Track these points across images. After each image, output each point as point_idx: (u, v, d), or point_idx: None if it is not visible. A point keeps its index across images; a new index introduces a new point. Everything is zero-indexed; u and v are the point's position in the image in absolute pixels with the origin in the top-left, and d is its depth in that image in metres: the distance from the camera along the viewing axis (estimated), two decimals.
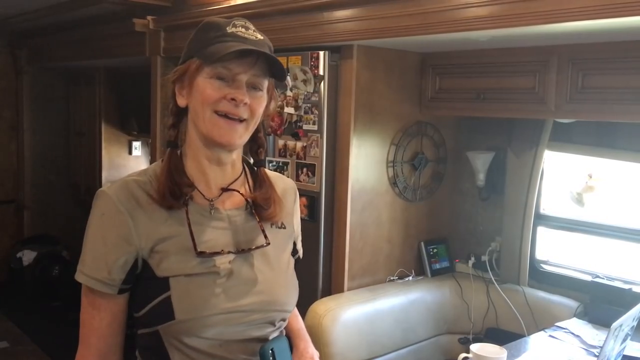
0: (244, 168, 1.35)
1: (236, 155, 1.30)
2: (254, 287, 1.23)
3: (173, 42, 3.51)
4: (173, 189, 1.20)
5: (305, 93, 2.71)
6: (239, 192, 1.29)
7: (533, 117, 2.63)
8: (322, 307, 2.53)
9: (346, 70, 2.63)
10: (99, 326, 1.20)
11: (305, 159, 2.75)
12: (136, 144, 5.41)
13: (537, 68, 2.43)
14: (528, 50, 2.45)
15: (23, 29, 5.06)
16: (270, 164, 2.88)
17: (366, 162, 2.73)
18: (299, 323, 1.47)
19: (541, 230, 2.89)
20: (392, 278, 2.91)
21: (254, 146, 1.35)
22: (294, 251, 1.42)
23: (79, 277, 1.19)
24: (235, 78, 1.19)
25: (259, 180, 1.34)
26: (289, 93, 2.78)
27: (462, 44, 2.56)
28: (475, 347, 2.00)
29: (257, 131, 1.31)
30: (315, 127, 2.69)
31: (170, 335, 1.18)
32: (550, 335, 2.39)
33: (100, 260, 1.17)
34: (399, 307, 2.72)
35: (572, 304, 2.65)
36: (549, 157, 2.82)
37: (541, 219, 2.88)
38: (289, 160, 2.82)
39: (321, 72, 2.64)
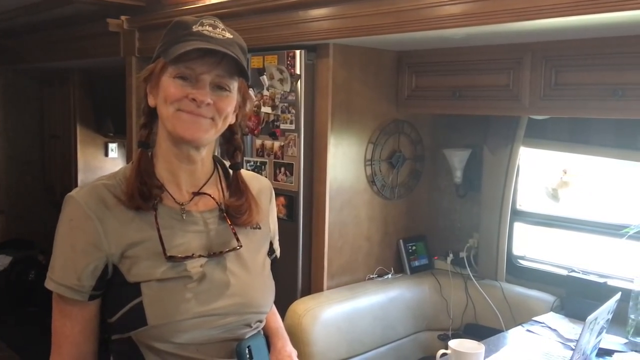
0: (216, 167, 1.34)
1: (206, 153, 1.28)
2: (227, 289, 1.22)
3: (148, 42, 3.48)
4: (142, 190, 1.18)
5: (282, 92, 2.71)
6: (210, 195, 1.28)
7: (508, 114, 2.66)
8: (302, 306, 2.53)
9: (322, 69, 2.62)
10: (71, 333, 1.18)
11: (283, 159, 2.74)
12: (112, 146, 5.34)
13: (511, 65, 2.45)
14: (502, 48, 2.47)
15: None
16: (248, 164, 2.87)
17: (344, 160, 2.73)
18: (277, 322, 1.46)
19: (518, 226, 2.92)
20: (371, 276, 2.91)
21: (230, 148, 1.33)
22: (271, 251, 1.42)
23: (48, 284, 1.17)
24: (198, 78, 1.17)
25: (234, 185, 1.32)
26: (265, 92, 2.77)
27: (437, 42, 2.57)
28: (453, 343, 2.01)
29: (233, 133, 1.29)
30: (293, 127, 2.68)
31: (144, 341, 1.16)
32: (528, 330, 2.41)
33: (69, 267, 1.15)
34: (378, 305, 2.73)
35: (548, 298, 2.68)
36: (524, 154, 2.84)
37: (518, 215, 2.91)
38: (266, 160, 2.81)
39: (297, 71, 2.64)
